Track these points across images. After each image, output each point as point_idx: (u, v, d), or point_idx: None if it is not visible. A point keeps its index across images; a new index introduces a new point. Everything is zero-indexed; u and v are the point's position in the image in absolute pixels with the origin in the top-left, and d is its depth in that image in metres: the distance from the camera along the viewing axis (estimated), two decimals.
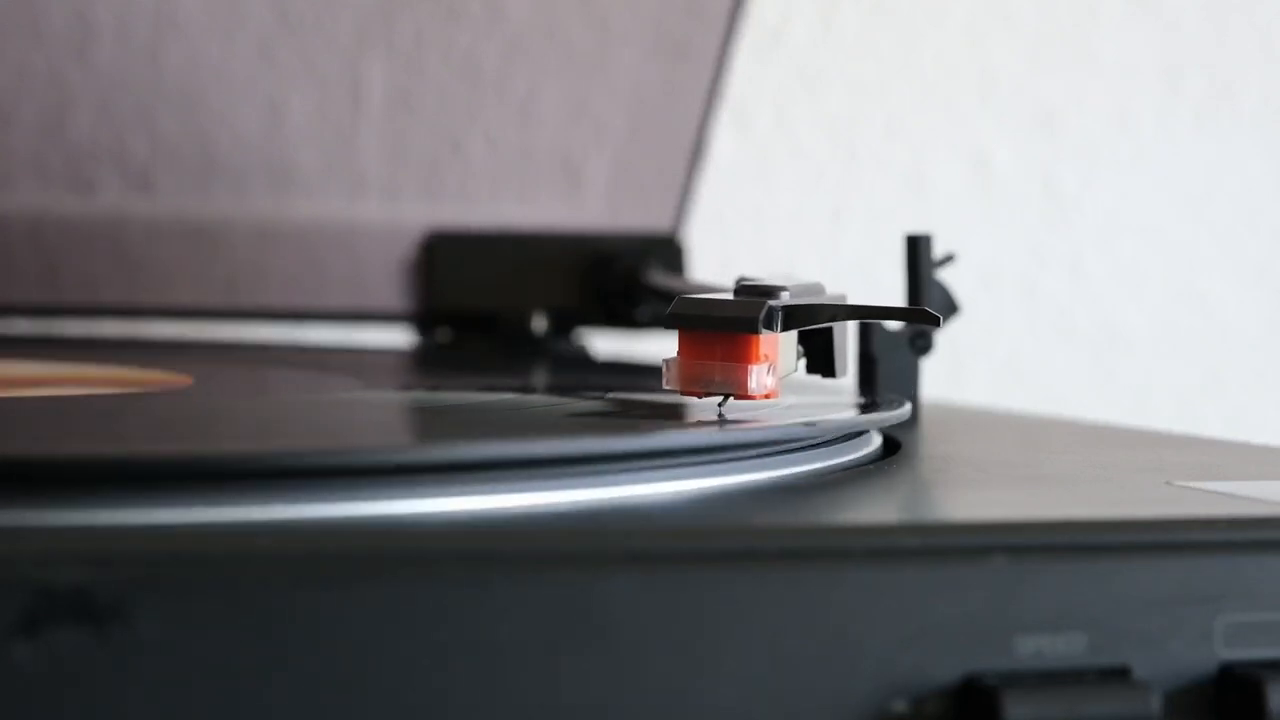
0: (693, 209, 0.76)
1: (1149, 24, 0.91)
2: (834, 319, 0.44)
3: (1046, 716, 0.34)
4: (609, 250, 0.74)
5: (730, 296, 0.43)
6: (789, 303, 0.42)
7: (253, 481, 0.34)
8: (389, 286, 0.74)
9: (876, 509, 0.40)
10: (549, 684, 0.32)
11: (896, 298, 0.55)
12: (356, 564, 0.32)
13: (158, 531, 0.32)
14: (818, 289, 0.46)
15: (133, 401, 0.49)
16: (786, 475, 0.40)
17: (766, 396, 0.42)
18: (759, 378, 0.41)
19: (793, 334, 0.44)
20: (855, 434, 0.45)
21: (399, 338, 0.75)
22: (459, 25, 0.72)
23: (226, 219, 0.73)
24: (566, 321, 0.75)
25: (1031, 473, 0.44)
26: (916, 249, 0.54)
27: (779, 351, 0.42)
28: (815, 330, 0.45)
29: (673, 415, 0.43)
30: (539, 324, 0.74)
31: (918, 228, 0.55)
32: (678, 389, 0.42)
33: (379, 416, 0.48)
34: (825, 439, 0.43)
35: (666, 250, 0.74)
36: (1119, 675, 0.35)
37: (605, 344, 0.75)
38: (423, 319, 0.74)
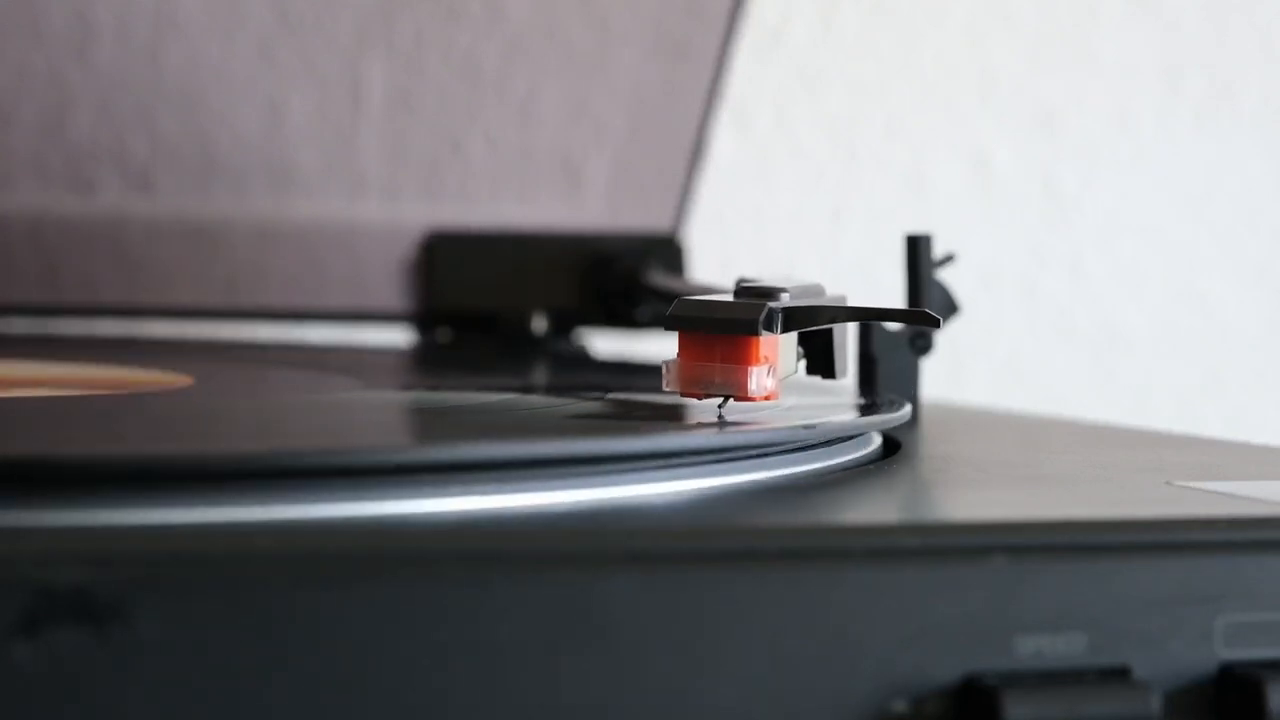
0: (693, 209, 0.76)
1: (1149, 24, 0.91)
2: (834, 320, 0.44)
3: (1046, 716, 0.34)
4: (609, 250, 0.74)
5: (730, 298, 0.43)
6: (789, 304, 0.42)
7: (253, 481, 0.34)
8: (389, 286, 0.74)
9: (876, 509, 0.40)
10: (549, 684, 0.32)
11: (896, 298, 0.55)
12: (356, 564, 0.32)
13: (158, 531, 0.32)
14: (818, 290, 0.46)
15: (133, 401, 0.49)
16: (786, 475, 0.40)
17: (766, 398, 0.42)
18: (759, 379, 0.41)
19: (793, 335, 0.44)
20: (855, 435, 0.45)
21: (399, 337, 0.75)
22: (459, 25, 0.72)
23: (226, 219, 0.73)
24: (566, 321, 0.75)
25: (1031, 473, 0.44)
26: (916, 249, 0.54)
27: (779, 353, 0.42)
28: (815, 332, 0.45)
29: (673, 417, 0.43)
30: (539, 324, 0.74)
31: (918, 228, 0.55)
32: (678, 391, 0.42)
33: (379, 417, 0.48)
34: (825, 440, 0.43)
35: (666, 250, 0.74)
36: (1119, 675, 0.35)
37: (605, 344, 0.75)
38: (423, 319, 0.74)
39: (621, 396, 0.49)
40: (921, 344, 0.54)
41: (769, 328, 0.42)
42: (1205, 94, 0.91)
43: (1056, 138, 0.90)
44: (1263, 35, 0.92)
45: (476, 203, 0.74)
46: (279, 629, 0.31)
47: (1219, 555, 0.35)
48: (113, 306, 0.73)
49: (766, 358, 0.42)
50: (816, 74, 0.88)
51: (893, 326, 0.53)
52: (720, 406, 0.42)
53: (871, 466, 0.43)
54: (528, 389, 0.57)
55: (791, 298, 0.43)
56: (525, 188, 0.75)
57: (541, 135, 0.74)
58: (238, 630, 0.31)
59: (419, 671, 0.32)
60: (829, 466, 0.42)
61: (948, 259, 0.54)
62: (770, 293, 0.42)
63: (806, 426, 0.42)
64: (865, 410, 0.47)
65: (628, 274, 0.73)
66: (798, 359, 0.45)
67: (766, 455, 0.41)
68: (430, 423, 0.47)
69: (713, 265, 0.80)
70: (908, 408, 0.46)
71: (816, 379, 0.46)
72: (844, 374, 0.46)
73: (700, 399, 0.42)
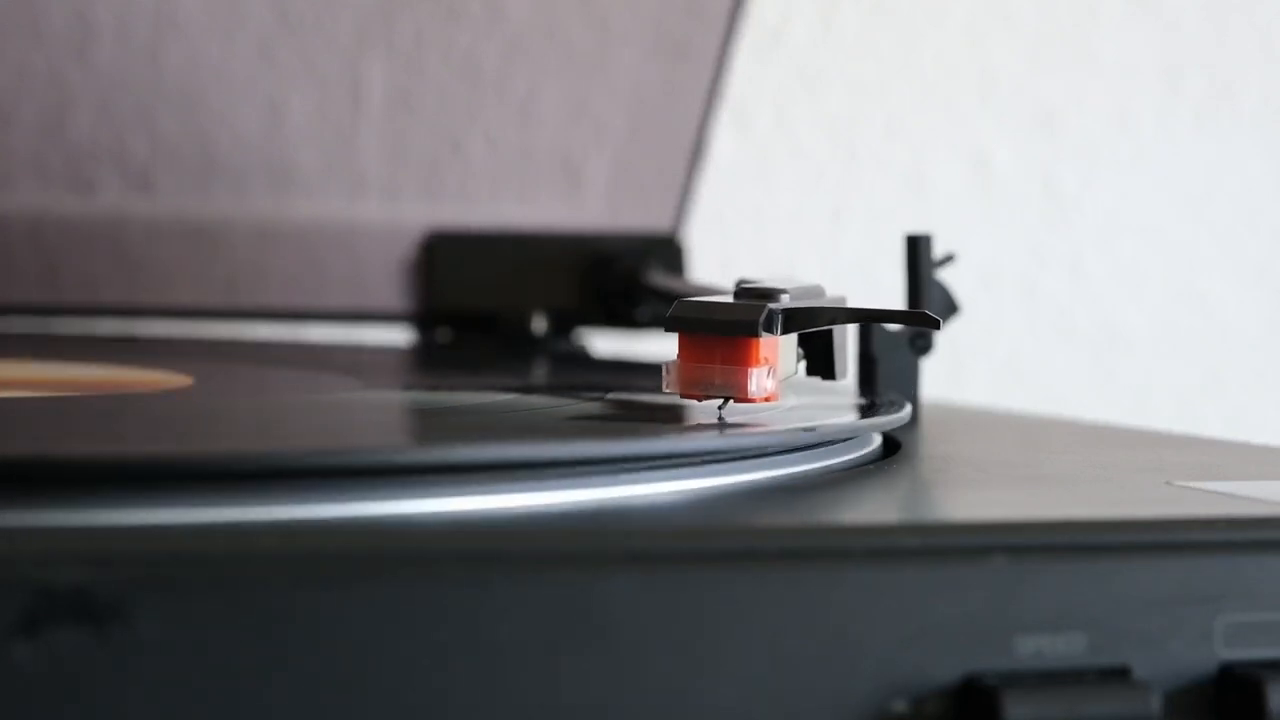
0: (693, 209, 0.76)
1: (1149, 24, 0.91)
2: (834, 322, 0.44)
3: (1046, 716, 0.34)
4: (609, 250, 0.74)
5: (730, 299, 0.43)
6: (789, 306, 0.42)
7: (253, 481, 0.34)
8: (389, 286, 0.74)
9: (876, 509, 0.40)
10: (549, 684, 0.32)
11: (896, 298, 0.55)
12: (356, 564, 0.32)
13: (158, 531, 0.32)
14: (818, 291, 0.46)
15: (133, 401, 0.49)
16: (786, 475, 0.40)
17: (767, 399, 0.42)
18: (759, 381, 0.41)
19: (793, 336, 0.44)
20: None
21: (399, 337, 0.75)
22: (459, 25, 0.72)
23: (226, 219, 0.73)
24: (566, 321, 0.75)
25: (1031, 473, 0.44)
26: (916, 249, 0.54)
27: (779, 354, 0.42)
28: (815, 332, 0.45)
29: (673, 418, 0.43)
30: (539, 324, 0.74)
31: (918, 228, 0.55)
32: (678, 392, 0.42)
33: (379, 417, 0.48)
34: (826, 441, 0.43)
35: (666, 250, 0.74)
36: (1119, 675, 0.35)
37: (605, 344, 0.75)
38: (423, 319, 0.74)
39: (622, 396, 0.49)
40: (921, 344, 0.54)
41: (769, 329, 0.42)
42: (1205, 94, 0.91)
43: (1056, 138, 0.90)
44: (1263, 35, 0.92)
45: (476, 203, 0.74)
46: (279, 629, 0.31)
47: (1219, 555, 0.35)
48: (113, 306, 0.73)
49: (766, 359, 0.42)
50: (816, 74, 0.88)
51: (893, 326, 0.53)
52: (720, 408, 0.42)
53: (871, 466, 0.43)
54: (528, 389, 0.57)
55: (791, 299, 0.43)
56: (525, 188, 0.75)
57: (541, 135, 0.74)
58: (238, 630, 0.31)
59: (419, 671, 0.32)
60: (829, 466, 0.42)
61: (948, 259, 0.54)
62: (770, 294, 0.42)
63: (807, 429, 0.42)
64: (865, 410, 0.47)
65: (628, 274, 0.73)
66: (798, 360, 0.45)
67: (766, 456, 0.41)
68: (430, 423, 0.47)
69: (713, 265, 0.80)
70: (908, 408, 0.46)
71: (817, 379, 0.46)
72: (844, 375, 0.46)
73: (700, 400, 0.42)
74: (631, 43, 0.73)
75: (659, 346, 0.72)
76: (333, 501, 0.34)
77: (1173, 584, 0.35)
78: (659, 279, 0.72)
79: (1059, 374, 0.90)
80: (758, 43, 0.86)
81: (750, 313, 0.41)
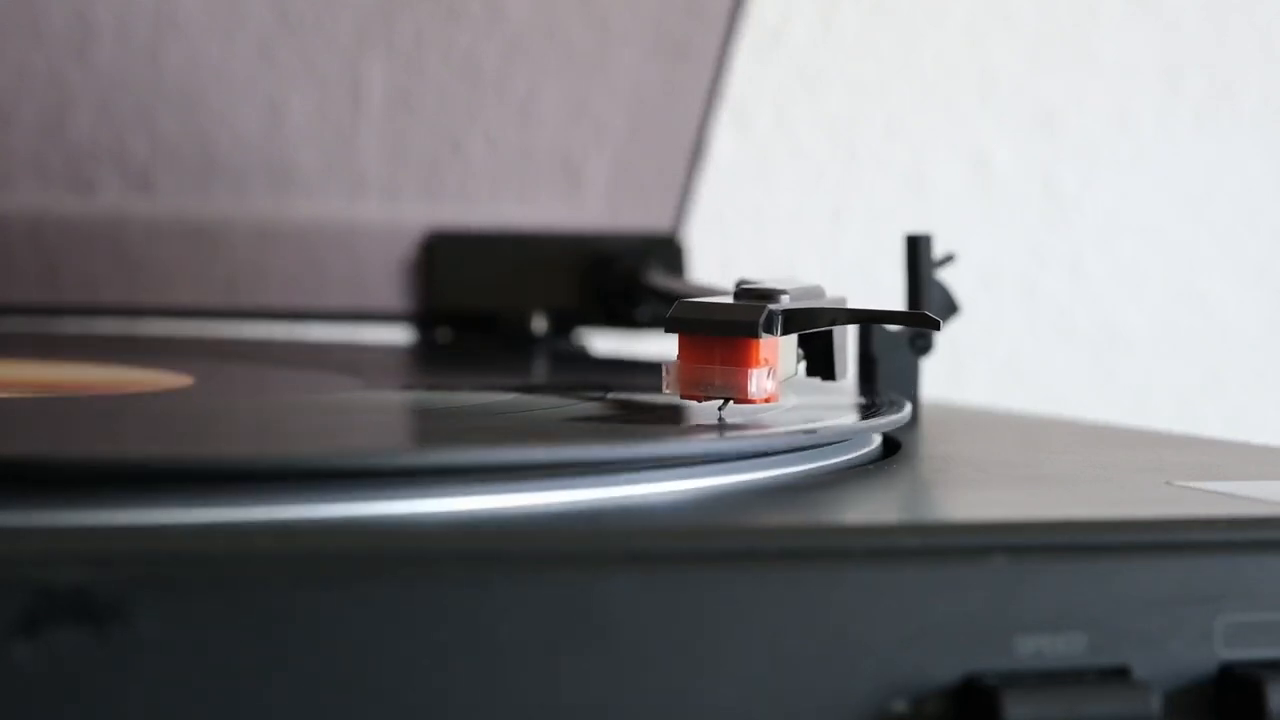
0: (693, 209, 0.76)
1: (1149, 24, 0.91)
2: (834, 323, 0.44)
3: (1046, 716, 0.34)
4: (609, 250, 0.74)
5: (730, 300, 0.43)
6: (789, 306, 0.42)
7: (253, 482, 0.34)
8: (389, 286, 0.74)
9: (876, 509, 0.40)
10: (549, 684, 0.32)
11: (896, 298, 0.55)
12: (356, 564, 0.32)
13: (158, 531, 0.32)
14: (818, 292, 0.46)
15: (133, 401, 0.49)
16: (786, 475, 0.40)
17: (767, 400, 0.42)
18: (759, 381, 0.41)
19: (793, 337, 0.44)
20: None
21: (399, 337, 0.75)
22: (459, 25, 0.72)
23: (226, 219, 0.73)
24: (566, 321, 0.75)
25: (1031, 473, 0.44)
26: (916, 249, 0.54)
27: (779, 355, 0.42)
28: (815, 333, 0.45)
29: (673, 419, 0.43)
30: (539, 324, 0.74)
31: (918, 228, 0.55)
32: (678, 393, 0.42)
33: (379, 418, 0.48)
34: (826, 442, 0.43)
35: (666, 250, 0.74)
36: (1119, 675, 0.35)
37: (605, 344, 0.75)
38: (423, 319, 0.74)
39: (622, 396, 0.49)
40: (921, 344, 0.54)
41: (769, 330, 0.42)
42: (1205, 94, 0.91)
43: (1056, 138, 0.90)
44: (1263, 35, 0.92)
45: (476, 203, 0.74)
46: (279, 629, 0.31)
47: (1219, 555, 0.35)
48: (113, 306, 0.73)
49: (766, 360, 0.42)
50: (816, 74, 0.88)
51: (893, 327, 0.53)
52: (720, 409, 0.42)
53: (871, 466, 0.43)
54: (528, 389, 0.57)
55: (791, 299, 0.43)
56: (525, 188, 0.74)
57: (541, 135, 0.74)
58: (238, 630, 0.31)
59: (419, 671, 0.32)
60: (829, 466, 0.42)
61: (948, 259, 0.54)
62: (770, 295, 0.42)
63: (807, 431, 0.42)
64: (865, 411, 0.47)
65: (628, 274, 0.73)
66: (798, 360, 0.45)
67: (767, 455, 0.41)
68: (431, 425, 0.47)
69: (713, 265, 0.80)
70: (908, 408, 0.46)
71: (817, 379, 0.46)
72: (844, 375, 0.46)
73: (700, 401, 0.42)
74: (631, 43, 0.73)
75: (659, 346, 0.72)
76: (333, 501, 0.34)
77: (1173, 584, 0.35)
78: (659, 279, 0.72)
79: (1059, 374, 0.90)
80: (758, 43, 0.86)
81: (750, 313, 0.41)
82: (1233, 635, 0.35)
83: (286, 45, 0.71)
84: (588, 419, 0.46)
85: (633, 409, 0.46)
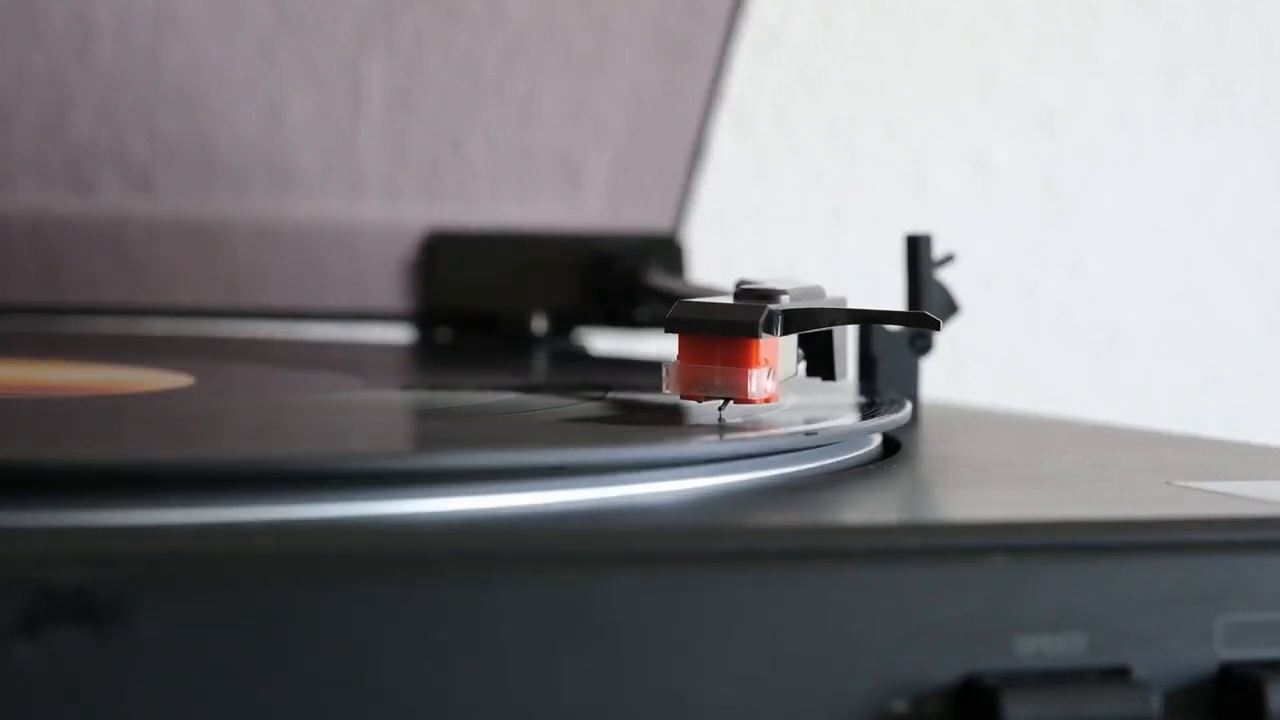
0: (693, 209, 0.76)
1: (1149, 24, 0.91)
2: (834, 323, 0.44)
3: (1046, 716, 0.34)
4: (609, 250, 0.74)
5: (730, 300, 0.43)
6: (789, 306, 0.42)
7: (253, 482, 0.34)
8: (389, 286, 0.74)
9: (876, 509, 0.40)
10: (549, 684, 0.32)
11: (896, 298, 0.55)
12: (356, 564, 0.32)
13: (158, 531, 0.32)
14: (818, 292, 0.46)
15: (133, 401, 0.49)
16: (786, 475, 0.40)
17: (767, 400, 0.42)
18: (759, 382, 0.41)
19: (793, 337, 0.44)
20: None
21: (399, 336, 0.75)
22: (459, 25, 0.72)
23: (226, 219, 0.73)
24: (566, 321, 0.75)
25: (1031, 473, 0.44)
26: (916, 249, 0.54)
27: (779, 355, 0.42)
28: (815, 333, 0.45)
29: (673, 419, 0.43)
30: (539, 324, 0.74)
31: (918, 228, 0.55)
32: (678, 393, 0.42)
33: (380, 419, 0.48)
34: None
35: (666, 250, 0.74)
36: (1119, 675, 0.35)
37: (605, 344, 0.75)
38: (423, 319, 0.74)
39: (622, 396, 0.49)
40: (921, 344, 0.54)
41: (769, 330, 0.42)
42: (1205, 94, 0.91)
43: (1056, 138, 0.90)
44: (1263, 35, 0.92)
45: (476, 203, 0.74)
46: (279, 629, 0.31)
47: (1219, 555, 0.35)
48: (113, 306, 0.73)
49: (766, 360, 0.42)
50: (816, 74, 0.88)
51: (893, 327, 0.53)
52: (720, 409, 0.42)
53: (871, 466, 0.43)
54: (528, 389, 0.57)
55: (791, 300, 0.43)
56: (525, 188, 0.74)
57: (541, 135, 0.74)
58: (238, 630, 0.31)
59: (419, 671, 0.32)
60: (829, 466, 0.42)
61: (948, 259, 0.54)
62: (770, 295, 0.42)
63: (808, 432, 0.42)
64: (865, 411, 0.47)
65: (628, 274, 0.73)
66: (798, 360, 0.45)
67: (767, 455, 0.41)
68: (431, 426, 0.47)
69: (713, 265, 0.80)
70: (908, 408, 0.46)
71: (817, 378, 0.46)
72: (844, 375, 0.46)
73: (700, 401, 0.42)
74: (631, 43, 0.73)
75: (659, 346, 0.72)
76: (332, 502, 0.34)
77: (1173, 584, 0.35)
78: (659, 279, 0.72)
79: (1059, 374, 0.90)
80: (758, 43, 0.86)
81: (750, 314, 0.41)
82: (1233, 635, 0.35)
83: (286, 45, 0.71)
84: (588, 419, 0.46)
85: (633, 409, 0.46)
